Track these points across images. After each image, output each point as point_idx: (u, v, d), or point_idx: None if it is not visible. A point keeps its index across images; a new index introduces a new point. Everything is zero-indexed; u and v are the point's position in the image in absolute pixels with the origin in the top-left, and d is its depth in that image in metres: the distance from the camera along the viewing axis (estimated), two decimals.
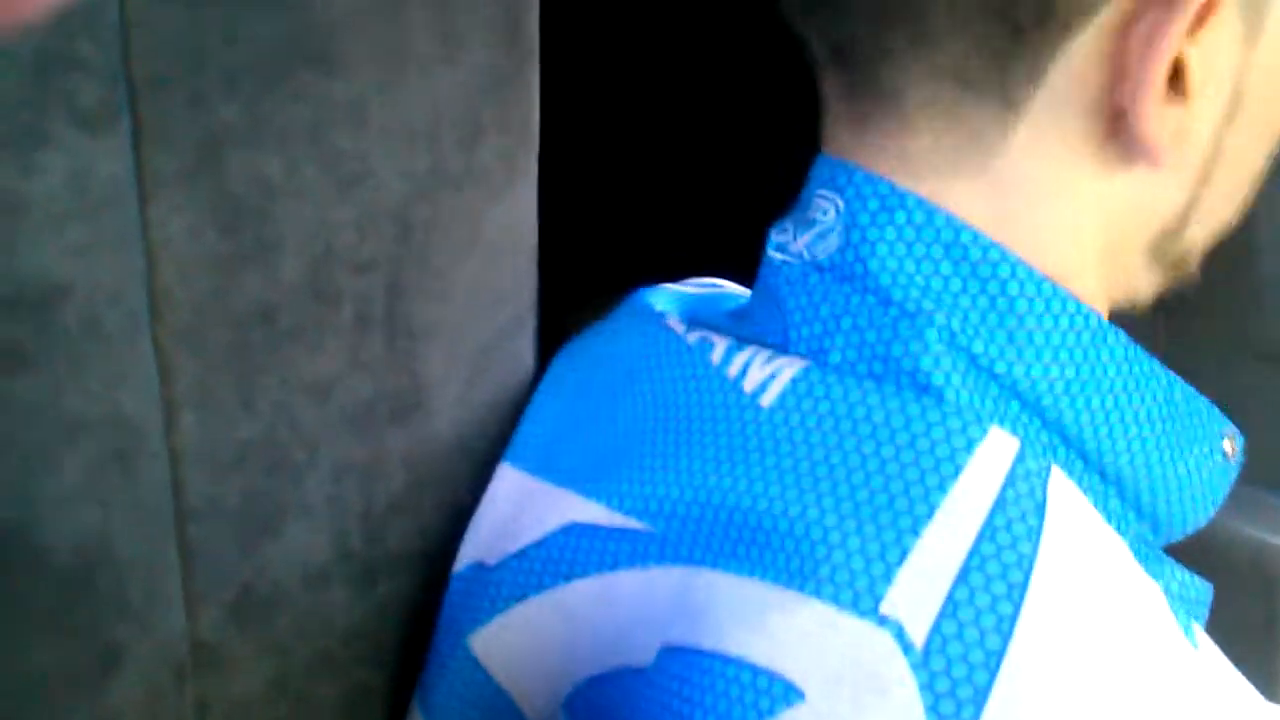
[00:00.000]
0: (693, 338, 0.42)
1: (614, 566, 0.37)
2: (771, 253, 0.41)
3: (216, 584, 0.39)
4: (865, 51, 0.37)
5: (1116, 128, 0.36)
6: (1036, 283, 0.37)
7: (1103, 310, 0.40)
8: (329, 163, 0.38)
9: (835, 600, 0.31)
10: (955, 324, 0.36)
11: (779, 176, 0.47)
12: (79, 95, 0.32)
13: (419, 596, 0.44)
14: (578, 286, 0.56)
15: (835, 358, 0.37)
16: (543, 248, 0.46)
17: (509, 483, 0.43)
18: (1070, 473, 0.37)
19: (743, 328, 0.41)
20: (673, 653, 0.34)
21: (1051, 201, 0.37)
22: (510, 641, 0.40)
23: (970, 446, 0.33)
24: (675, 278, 0.51)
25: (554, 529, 0.40)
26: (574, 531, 0.39)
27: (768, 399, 0.37)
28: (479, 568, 0.42)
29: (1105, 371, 0.37)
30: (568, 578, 0.38)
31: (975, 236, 0.37)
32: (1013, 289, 0.37)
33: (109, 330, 0.35)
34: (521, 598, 0.40)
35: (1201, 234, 0.41)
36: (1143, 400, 0.38)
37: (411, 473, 0.43)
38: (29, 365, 0.33)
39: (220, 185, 0.36)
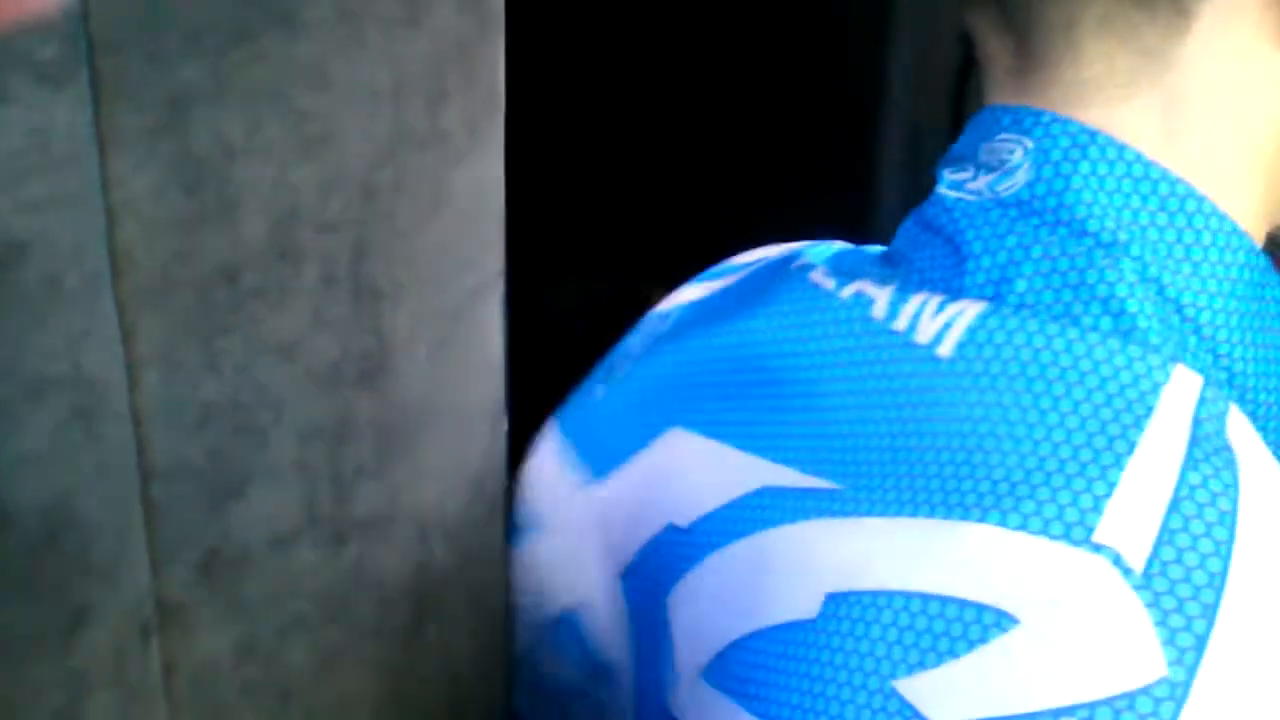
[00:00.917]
0: (846, 292, 0.42)
1: (805, 517, 0.38)
2: (945, 191, 0.42)
3: (182, 544, 0.39)
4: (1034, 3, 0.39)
5: None
6: (1219, 218, 0.38)
7: (1260, 233, 0.41)
8: (292, 123, 0.38)
9: (1046, 533, 0.33)
10: (1147, 255, 0.37)
11: (751, 150, 0.47)
12: (36, 50, 0.32)
13: (389, 559, 0.45)
14: (554, 262, 0.56)
15: (1021, 286, 0.38)
16: (516, 220, 0.46)
17: (687, 446, 0.44)
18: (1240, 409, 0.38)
19: (900, 274, 0.41)
20: (842, 598, 0.35)
21: (1219, 108, 0.39)
22: (690, 597, 0.41)
23: (1159, 384, 0.35)
24: (658, 255, 0.52)
25: (749, 491, 0.40)
26: (767, 494, 0.40)
27: (945, 349, 0.38)
28: (674, 530, 0.43)
29: (1268, 310, 0.39)
30: (756, 531, 0.39)
31: (1164, 172, 0.38)
32: (1198, 222, 0.38)
33: (70, 289, 0.35)
34: (707, 554, 0.40)
35: None
36: None
37: (379, 435, 0.43)
38: None
39: (183, 144, 0.36)
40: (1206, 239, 0.38)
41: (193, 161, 0.36)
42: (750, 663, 0.37)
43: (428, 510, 0.45)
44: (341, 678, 0.45)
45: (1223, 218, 0.38)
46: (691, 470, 0.44)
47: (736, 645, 0.38)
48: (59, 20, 0.33)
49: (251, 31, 0.36)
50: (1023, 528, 0.33)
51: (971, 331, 0.38)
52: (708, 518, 0.42)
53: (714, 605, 0.40)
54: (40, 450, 0.35)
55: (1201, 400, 0.35)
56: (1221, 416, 0.35)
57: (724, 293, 0.49)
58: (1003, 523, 0.33)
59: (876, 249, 0.46)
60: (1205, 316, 0.38)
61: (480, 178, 0.44)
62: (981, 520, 0.34)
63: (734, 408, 0.44)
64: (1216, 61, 0.39)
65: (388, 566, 0.45)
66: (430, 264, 0.43)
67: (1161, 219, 0.38)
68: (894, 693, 0.33)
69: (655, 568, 0.44)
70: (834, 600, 0.35)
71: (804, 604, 0.36)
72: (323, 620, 0.43)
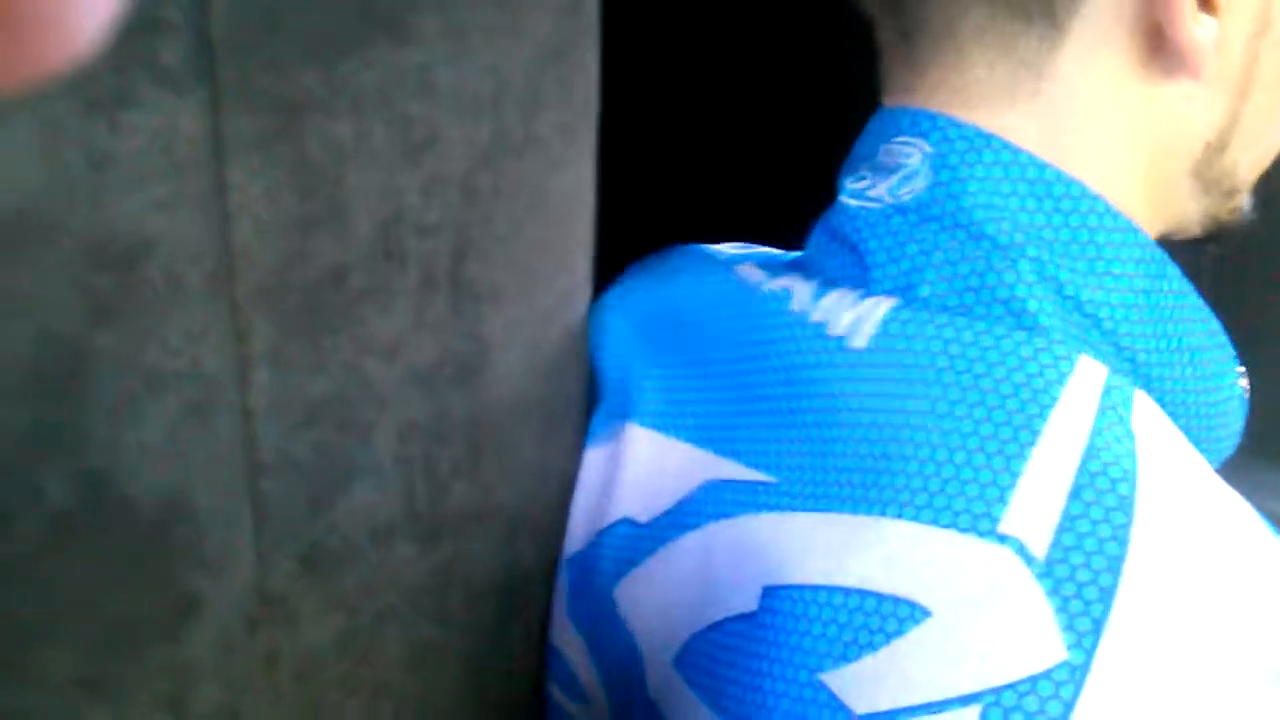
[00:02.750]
0: (770, 286, 0.43)
1: (745, 511, 0.39)
2: (846, 200, 0.42)
3: (287, 538, 0.40)
4: None
5: (1156, 43, 0.39)
6: (1113, 215, 0.39)
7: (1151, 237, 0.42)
8: (399, 129, 0.39)
9: (954, 526, 0.34)
10: (1044, 255, 0.38)
11: (824, 148, 0.48)
12: (162, 56, 0.34)
13: (481, 556, 0.45)
14: (629, 260, 0.57)
15: (925, 291, 0.39)
16: (600, 220, 0.47)
17: (644, 443, 0.45)
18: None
19: (812, 275, 0.42)
20: (775, 592, 0.36)
21: (1100, 121, 0.40)
22: (645, 590, 0.42)
23: (1064, 374, 0.36)
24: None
25: (697, 485, 0.42)
26: (714, 487, 0.41)
27: (860, 340, 0.39)
28: (630, 524, 0.44)
29: (1164, 301, 0.39)
30: (703, 524, 0.40)
31: (1057, 173, 0.39)
32: (1092, 221, 0.39)
33: (190, 287, 0.36)
34: (660, 546, 0.42)
35: (1246, 158, 0.43)
36: (1191, 330, 0.40)
37: (473, 435, 0.44)
38: (114, 319, 0.34)
39: (297, 149, 0.37)
40: (1101, 237, 0.39)
41: (306, 166, 0.37)
42: (707, 654, 0.39)
43: (516, 508, 0.46)
44: (432, 672, 0.46)
45: (1116, 215, 0.39)
46: (646, 466, 0.45)
47: (697, 637, 0.39)
48: (182, 25, 0.34)
49: (363, 40, 0.37)
50: (934, 522, 0.34)
51: (884, 324, 0.39)
52: (665, 514, 0.43)
53: (672, 596, 0.41)
54: (157, 442, 0.36)
55: (1106, 389, 0.36)
56: (1126, 403, 0.36)
57: (645, 276, 0.50)
58: (916, 518, 0.34)
59: (791, 255, 0.47)
60: (1105, 311, 0.39)
61: (573, 182, 0.45)
62: (898, 516, 0.35)
63: (682, 401, 0.45)
64: (1095, 78, 0.39)
65: (478, 563, 0.46)
66: (525, 267, 0.44)
67: (1057, 219, 0.39)
68: (821, 685, 0.34)
69: (600, 558, 0.45)
70: (769, 594, 0.36)
71: (746, 598, 0.37)
72: (415, 614, 0.44)
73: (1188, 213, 0.43)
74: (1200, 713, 0.31)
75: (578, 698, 0.48)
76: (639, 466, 0.45)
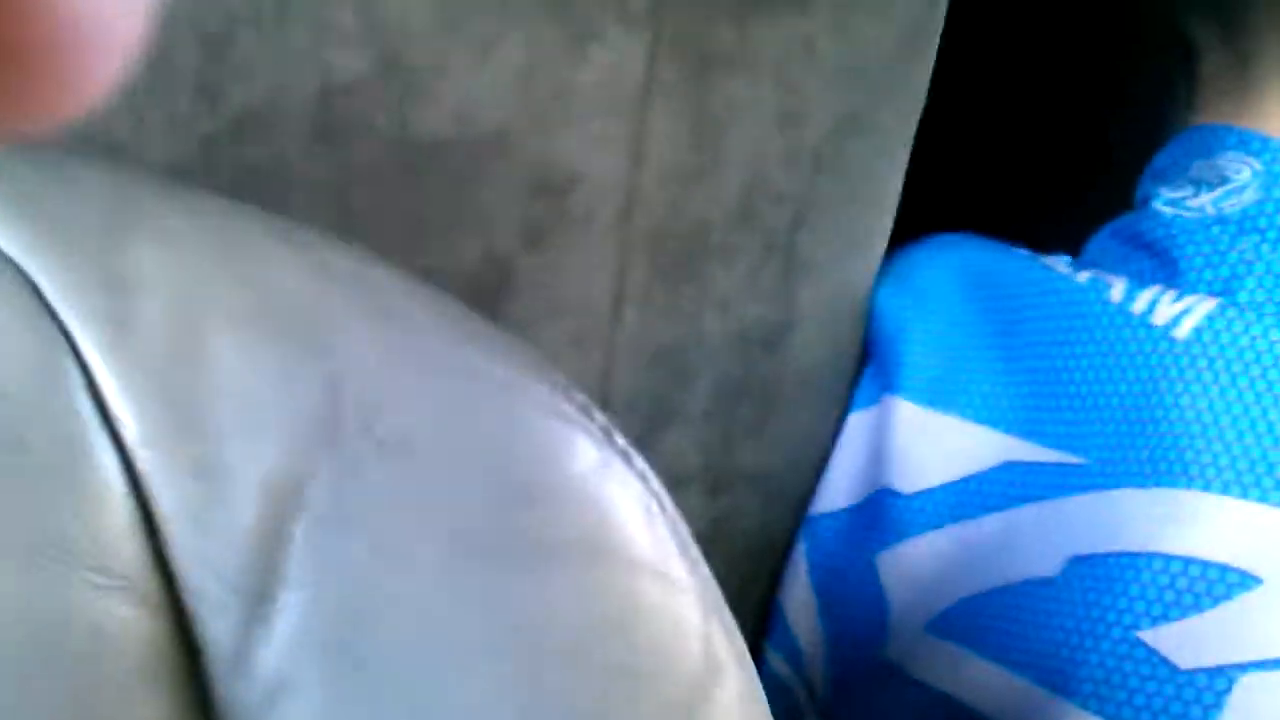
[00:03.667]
0: (1082, 276, 0.44)
1: (1051, 496, 0.40)
2: (1161, 208, 0.44)
3: None
4: (1264, 27, 0.42)
5: None
6: None
7: None
8: (779, 94, 0.40)
9: None
10: None
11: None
12: None
13: (748, 514, 0.47)
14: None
15: (1244, 298, 0.41)
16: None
17: (905, 415, 0.46)
18: None
19: (1116, 273, 0.44)
20: (1085, 559, 0.38)
21: None
22: (916, 563, 0.43)
23: None
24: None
25: (991, 466, 0.43)
26: (1012, 469, 0.42)
27: (1181, 332, 0.40)
28: (890, 494, 0.45)
29: None
30: (1005, 507, 0.41)
31: None
32: None
33: (599, 222, 0.37)
34: (945, 524, 0.43)
35: None
36: None
37: (767, 398, 0.45)
38: (540, 245, 0.36)
39: (701, 101, 0.38)
40: None
41: (703, 119, 0.38)
42: (988, 614, 0.40)
43: (784, 471, 0.48)
44: None
45: None
46: (914, 440, 0.46)
47: (974, 599, 0.41)
48: None
49: (773, 4, 0.39)
50: (1262, 499, 0.36)
51: (1210, 319, 0.40)
52: (940, 489, 0.44)
53: (943, 568, 0.43)
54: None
55: None
56: None
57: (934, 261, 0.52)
58: (1245, 495, 0.37)
59: (1065, 257, 0.49)
60: None
61: (893, 166, 0.46)
62: (1224, 492, 0.37)
63: (967, 379, 0.46)
64: None
65: (743, 521, 0.47)
66: (841, 242, 0.45)
67: None
68: (1139, 641, 0.36)
69: (862, 525, 0.46)
70: (1077, 561, 0.39)
71: (1047, 564, 0.39)
72: None
73: None
74: None
75: (789, 654, 0.49)
76: (898, 437, 0.47)
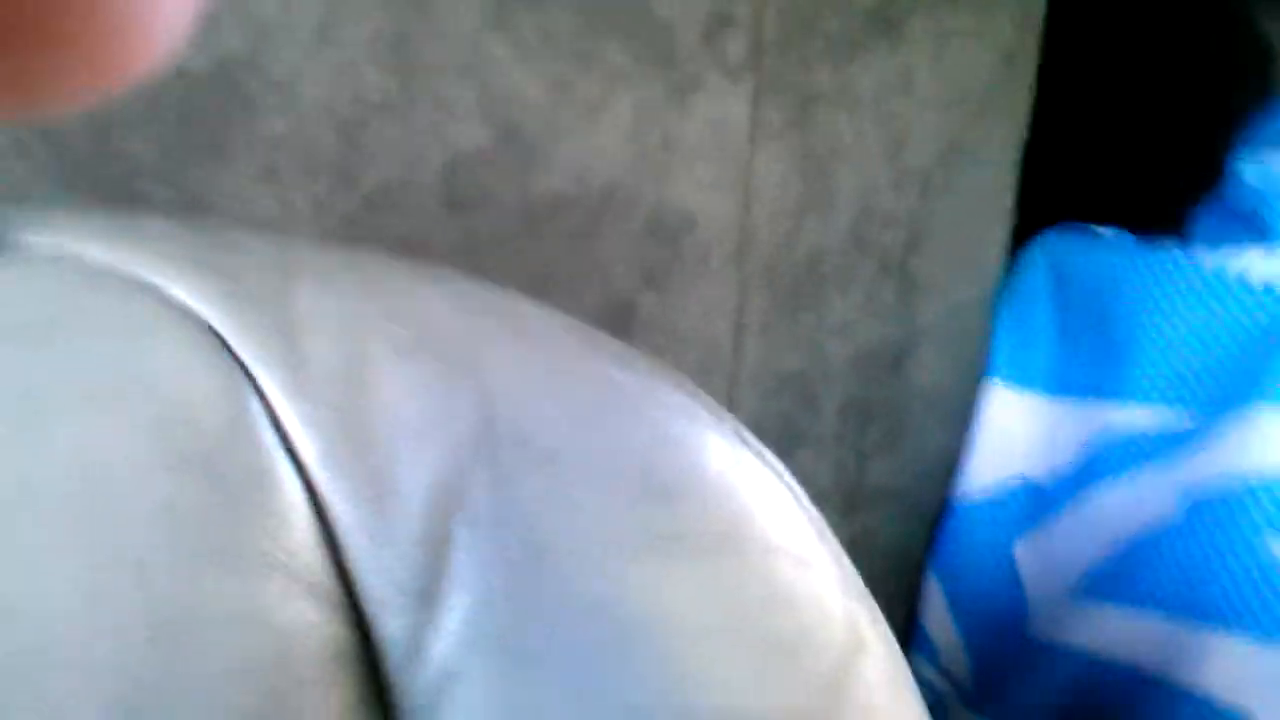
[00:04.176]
0: (1179, 253, 0.46)
1: (1163, 452, 0.42)
2: (1249, 176, 0.46)
3: None
4: None
5: None
6: None
7: None
8: (883, 126, 0.42)
9: None
10: None
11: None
12: (729, 50, 0.37)
13: (885, 532, 0.48)
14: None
15: None
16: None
17: (1027, 405, 0.48)
18: None
19: (1215, 245, 0.45)
20: (1200, 495, 0.40)
21: None
22: (1052, 543, 0.45)
23: None
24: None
25: (1109, 437, 0.45)
26: (1130, 436, 0.44)
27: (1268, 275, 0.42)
28: (1029, 483, 0.46)
29: None
30: (1120, 471, 0.43)
31: None
32: None
33: (714, 261, 0.39)
34: (1069, 501, 0.45)
35: None
36: None
37: (895, 416, 0.47)
38: (660, 284, 0.38)
39: (806, 140, 0.40)
40: None
41: (810, 156, 0.40)
42: (1124, 567, 0.42)
43: (917, 489, 0.49)
44: None
45: None
46: (1030, 424, 0.47)
47: (1103, 561, 0.43)
48: (748, 23, 0.37)
49: (867, 43, 0.40)
50: None
51: None
52: (1070, 469, 0.46)
53: (1075, 539, 0.44)
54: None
55: None
56: None
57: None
58: None
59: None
60: None
61: (1003, 181, 0.47)
62: None
63: (1071, 361, 0.47)
64: None
65: (880, 540, 0.48)
66: (958, 261, 0.46)
67: None
68: (1268, 552, 0.37)
69: (992, 519, 0.48)
70: (1196, 502, 0.40)
71: (1166, 511, 0.41)
72: None
73: None
74: None
75: (928, 654, 0.50)
76: (1032, 428, 0.48)
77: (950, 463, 0.50)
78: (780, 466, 0.24)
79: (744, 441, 0.23)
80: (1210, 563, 0.39)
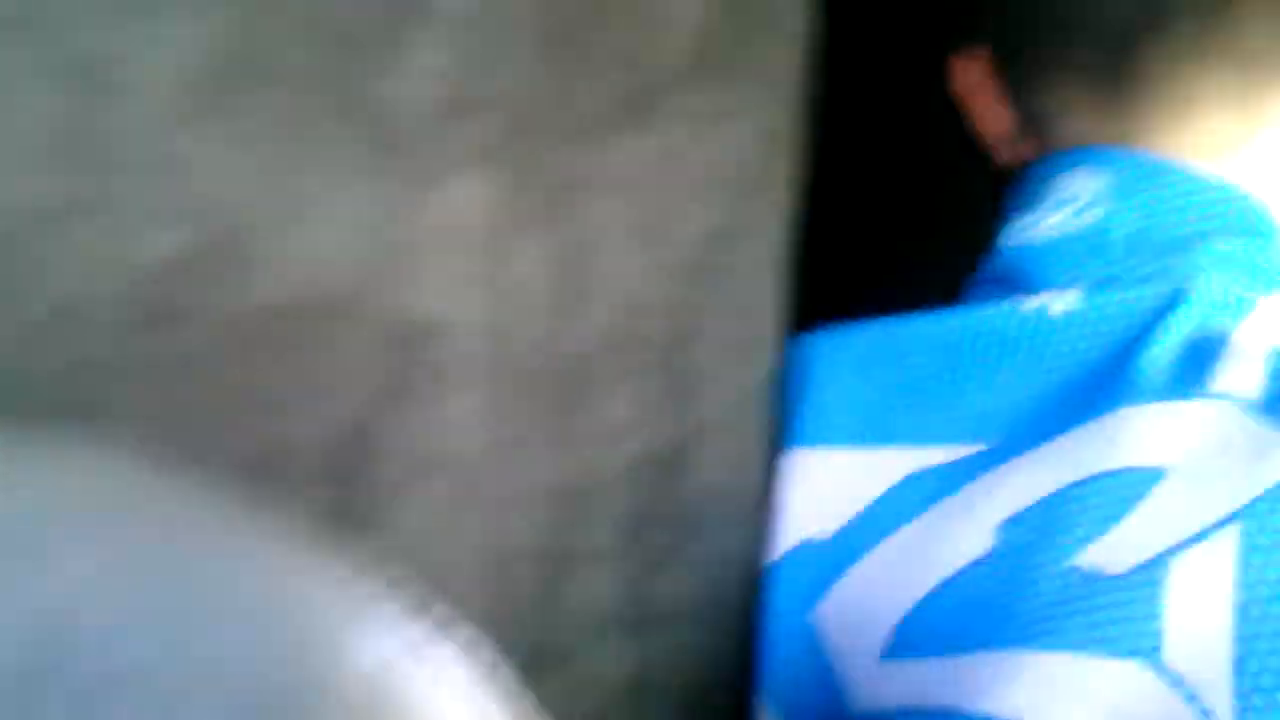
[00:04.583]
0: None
1: (963, 484, 0.41)
2: (1011, 243, 0.46)
3: (516, 634, 0.39)
4: (1149, 55, 0.43)
5: None
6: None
7: None
8: (638, 212, 0.39)
9: (1177, 397, 0.38)
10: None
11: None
12: (473, 130, 0.33)
13: (682, 651, 0.44)
14: None
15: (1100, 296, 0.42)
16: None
17: (815, 462, 0.45)
18: None
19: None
20: (1012, 520, 0.39)
21: None
22: (851, 603, 0.42)
23: (1243, 300, 0.41)
24: None
25: (898, 480, 0.43)
26: (921, 476, 0.42)
27: (1055, 311, 0.42)
28: (812, 544, 0.43)
29: None
30: (918, 514, 0.42)
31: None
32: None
33: (463, 371, 0.35)
34: (865, 552, 0.42)
35: None
36: None
37: (681, 522, 0.43)
38: (398, 402, 0.33)
39: (562, 231, 0.36)
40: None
41: (565, 247, 0.37)
42: (936, 614, 0.40)
43: (713, 599, 0.45)
44: None
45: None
46: (819, 484, 0.45)
47: (920, 607, 0.40)
48: (492, 97, 0.33)
49: (622, 123, 0.37)
50: (1158, 399, 0.38)
51: (1080, 300, 0.42)
52: (855, 520, 0.43)
53: (878, 594, 0.42)
54: (421, 531, 0.35)
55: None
56: None
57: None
58: (1140, 400, 0.38)
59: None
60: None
61: (778, 261, 0.44)
62: (1126, 404, 0.38)
63: (861, 410, 0.45)
64: None
65: (677, 660, 0.44)
66: (735, 349, 0.43)
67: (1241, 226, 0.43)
68: (1073, 569, 0.36)
69: (790, 587, 0.45)
70: (1006, 525, 0.39)
71: (979, 542, 0.39)
72: (625, 714, 0.43)
73: None
74: None
75: None
76: (811, 487, 0.45)
77: (748, 566, 0.47)
78: (467, 650, 0.19)
79: (418, 622, 0.19)
80: (1024, 587, 0.38)
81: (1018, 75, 0.48)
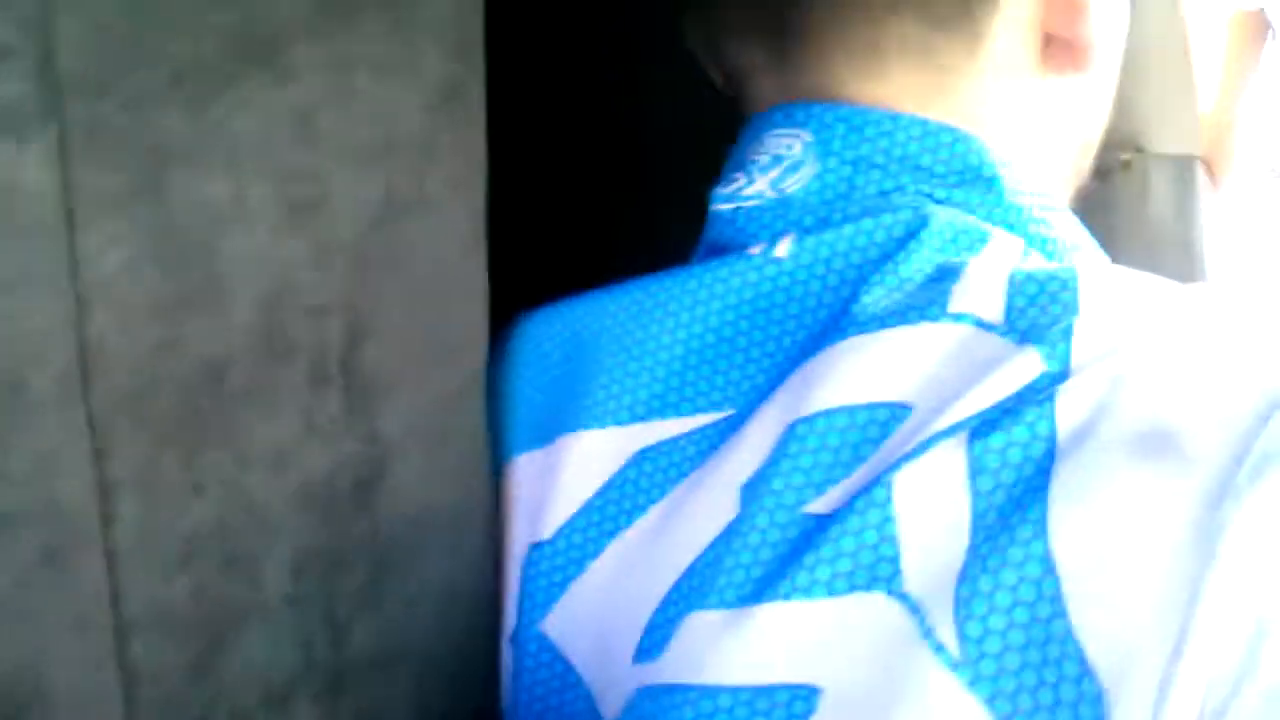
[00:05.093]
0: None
1: (707, 456, 0.37)
2: (720, 208, 0.42)
3: (166, 716, 0.31)
4: (842, 11, 0.41)
5: (1049, 39, 0.41)
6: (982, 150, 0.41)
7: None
8: (280, 186, 0.32)
9: (912, 322, 0.36)
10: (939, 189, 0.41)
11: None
12: (3, 90, 0.25)
13: (390, 706, 0.37)
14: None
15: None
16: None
17: (533, 461, 0.41)
18: None
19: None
20: (753, 482, 0.35)
21: (1005, 118, 0.42)
22: (590, 607, 0.38)
23: (986, 235, 0.39)
24: None
25: (621, 467, 0.39)
26: (654, 451, 0.39)
27: (780, 252, 0.40)
28: (539, 547, 0.39)
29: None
30: (642, 509, 0.38)
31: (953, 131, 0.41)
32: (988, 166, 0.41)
33: (35, 396, 0.27)
34: (595, 554, 0.38)
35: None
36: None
37: (376, 557, 0.36)
38: None
39: (162, 210, 0.29)
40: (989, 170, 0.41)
41: (174, 232, 0.29)
42: (687, 601, 0.35)
43: (426, 644, 0.38)
44: None
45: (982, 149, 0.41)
46: (538, 482, 0.41)
47: (663, 605, 0.36)
48: (21, 50, 0.26)
49: (237, 75, 0.30)
50: (899, 325, 0.35)
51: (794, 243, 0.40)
52: (580, 513, 0.39)
53: (624, 590, 0.38)
54: (4, 600, 0.27)
55: (1026, 252, 0.39)
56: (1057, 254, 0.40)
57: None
58: (878, 329, 0.35)
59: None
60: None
61: (468, 245, 0.38)
62: (860, 331, 0.36)
63: (579, 399, 0.41)
64: (1003, 77, 0.42)
65: (392, 712, 0.37)
66: (425, 348, 0.37)
67: (955, 163, 0.41)
68: (807, 515, 0.33)
69: (525, 595, 0.40)
70: (744, 488, 0.36)
71: (724, 515, 0.36)
72: None
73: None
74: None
75: None
76: (531, 486, 0.41)
77: (464, 599, 0.40)
78: None
79: None
80: (764, 545, 0.34)
81: (711, 36, 0.46)
